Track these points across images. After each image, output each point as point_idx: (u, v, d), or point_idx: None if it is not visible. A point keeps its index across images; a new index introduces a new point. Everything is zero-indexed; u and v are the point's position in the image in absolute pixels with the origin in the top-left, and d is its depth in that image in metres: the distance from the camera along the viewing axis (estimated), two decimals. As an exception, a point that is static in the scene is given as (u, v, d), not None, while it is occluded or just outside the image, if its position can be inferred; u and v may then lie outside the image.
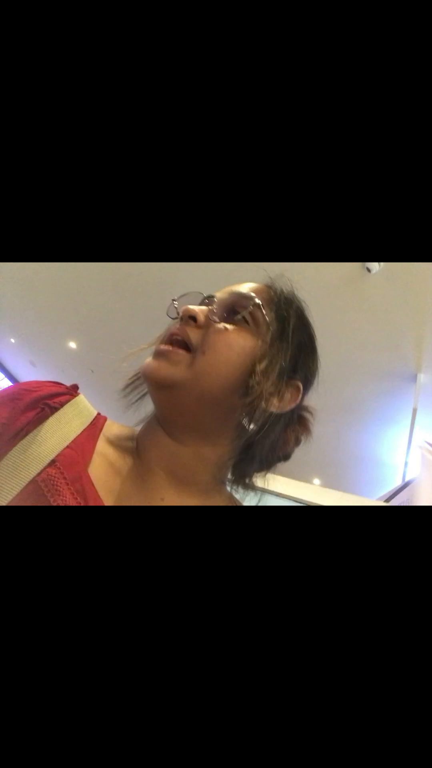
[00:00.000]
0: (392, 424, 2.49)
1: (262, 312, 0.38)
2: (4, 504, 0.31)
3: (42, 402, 0.37)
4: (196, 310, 0.38)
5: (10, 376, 4.48)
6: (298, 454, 0.47)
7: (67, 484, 0.33)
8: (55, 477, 0.33)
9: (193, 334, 0.37)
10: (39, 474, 0.33)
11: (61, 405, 0.38)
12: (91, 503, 0.34)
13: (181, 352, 0.37)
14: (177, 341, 0.37)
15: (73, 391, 0.41)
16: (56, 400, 0.38)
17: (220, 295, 0.41)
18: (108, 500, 0.35)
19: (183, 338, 0.37)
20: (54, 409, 0.37)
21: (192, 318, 0.38)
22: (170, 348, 0.37)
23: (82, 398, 0.40)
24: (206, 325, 0.38)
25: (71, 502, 0.32)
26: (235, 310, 0.39)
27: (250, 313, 0.38)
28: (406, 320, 2.00)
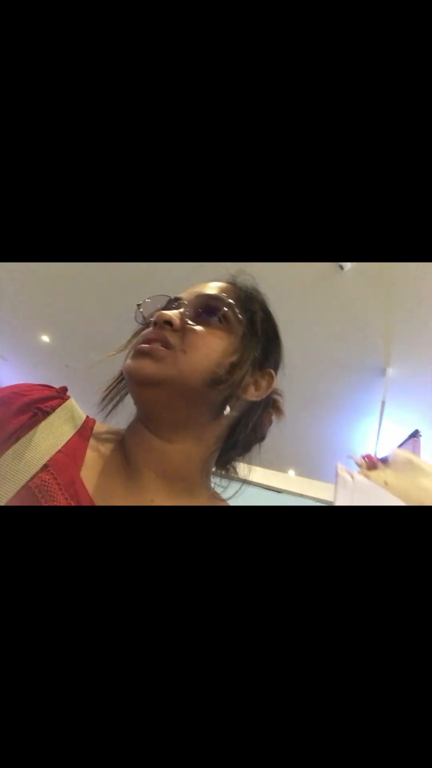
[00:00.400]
0: (362, 416, 2.59)
1: (235, 312, 0.40)
2: None
3: (34, 406, 0.37)
4: (172, 315, 0.39)
5: (-22, 371, 4.27)
6: (275, 446, 0.49)
7: (61, 489, 0.33)
8: (48, 482, 0.33)
9: (171, 337, 0.38)
10: (32, 479, 0.33)
11: (53, 409, 0.38)
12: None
13: (163, 349, 0.38)
14: (155, 342, 0.38)
15: (63, 394, 0.41)
16: (48, 404, 0.38)
17: (187, 296, 0.41)
18: (100, 503, 0.35)
19: (161, 340, 0.38)
20: (46, 413, 0.37)
21: (167, 323, 0.39)
22: (152, 345, 0.38)
23: (72, 402, 0.41)
24: (182, 329, 0.39)
25: None
26: (208, 311, 0.40)
27: (224, 315, 0.40)
28: (377, 316, 2.07)
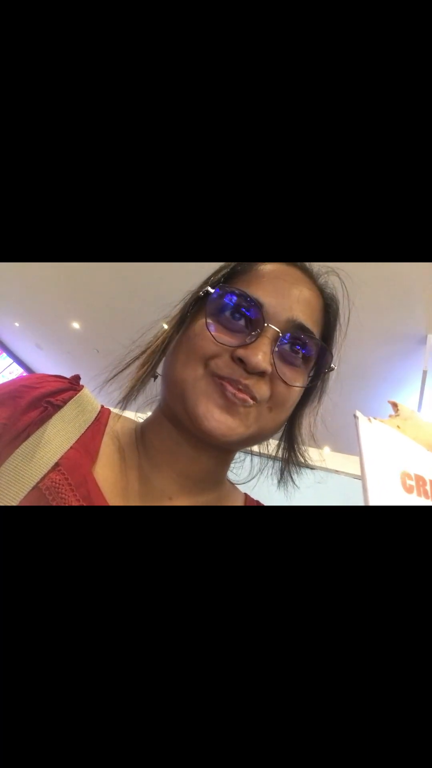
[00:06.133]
0: (403, 387, 2.46)
1: (328, 366, 0.37)
2: None
3: (45, 400, 0.35)
4: (267, 366, 0.32)
5: (18, 361, 4.50)
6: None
7: (72, 491, 0.31)
8: (59, 483, 0.31)
9: (261, 390, 0.33)
10: (42, 480, 0.31)
11: (65, 402, 0.36)
12: None
13: (250, 403, 0.33)
14: (243, 389, 0.32)
15: (76, 384, 0.39)
16: (59, 397, 0.36)
17: (274, 313, 0.34)
18: (115, 502, 0.34)
19: (250, 394, 0.33)
20: (57, 407, 0.35)
21: (261, 373, 0.33)
22: (244, 399, 0.32)
23: (85, 393, 0.39)
24: (272, 375, 0.34)
25: None
26: (300, 350, 0.35)
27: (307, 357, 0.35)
28: (416, 280, 1.93)
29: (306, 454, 0.42)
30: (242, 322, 0.34)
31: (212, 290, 0.35)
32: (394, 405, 0.31)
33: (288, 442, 0.42)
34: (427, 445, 0.28)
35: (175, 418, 0.36)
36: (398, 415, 0.30)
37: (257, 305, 0.34)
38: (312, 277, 0.38)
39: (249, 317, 0.34)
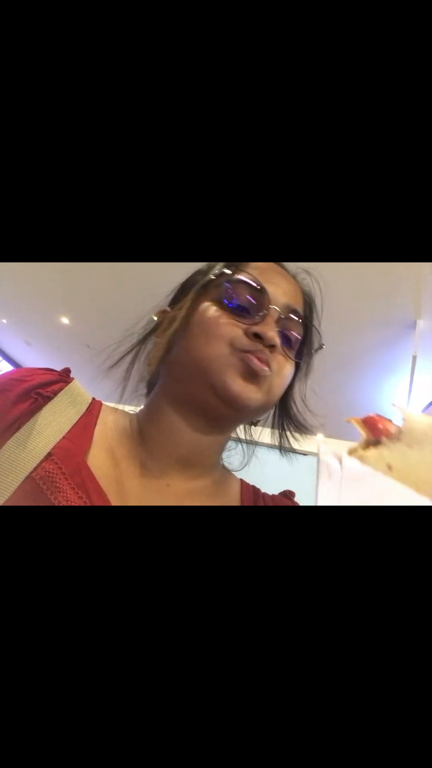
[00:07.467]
0: (393, 372, 2.49)
1: (311, 350, 0.43)
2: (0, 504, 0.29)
3: (34, 392, 0.35)
4: (278, 340, 0.38)
5: (7, 358, 4.43)
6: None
7: (66, 479, 0.31)
8: (52, 472, 0.31)
9: (274, 361, 0.38)
10: (35, 469, 0.31)
11: (55, 393, 0.36)
12: (94, 496, 0.32)
13: (267, 371, 0.37)
14: (265, 360, 0.37)
15: (66, 377, 0.39)
16: (49, 388, 0.36)
17: (273, 297, 0.38)
18: (110, 491, 0.34)
19: (269, 363, 0.37)
20: (47, 399, 0.35)
21: (273, 346, 0.37)
22: (265, 368, 0.36)
23: (76, 384, 0.39)
24: (276, 350, 0.38)
25: (73, 498, 0.31)
26: (294, 335, 0.40)
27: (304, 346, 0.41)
28: (404, 265, 1.93)
29: (302, 418, 0.46)
30: (252, 304, 0.38)
31: (228, 272, 0.39)
32: (401, 413, 0.21)
33: (282, 410, 0.46)
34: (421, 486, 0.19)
35: (185, 399, 0.38)
36: (400, 440, 0.19)
37: (263, 290, 0.38)
38: (291, 275, 0.44)
39: (258, 299, 0.38)
